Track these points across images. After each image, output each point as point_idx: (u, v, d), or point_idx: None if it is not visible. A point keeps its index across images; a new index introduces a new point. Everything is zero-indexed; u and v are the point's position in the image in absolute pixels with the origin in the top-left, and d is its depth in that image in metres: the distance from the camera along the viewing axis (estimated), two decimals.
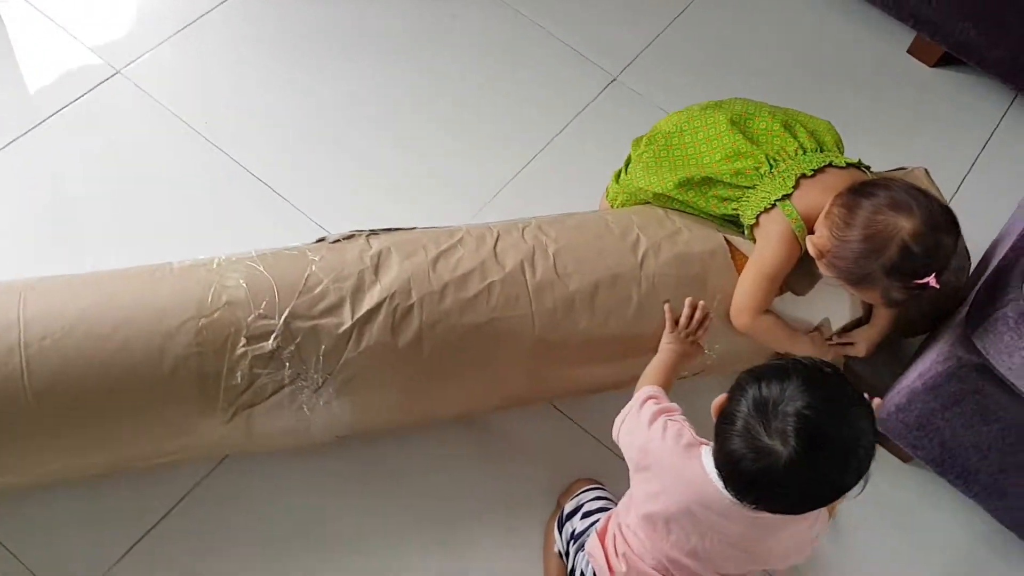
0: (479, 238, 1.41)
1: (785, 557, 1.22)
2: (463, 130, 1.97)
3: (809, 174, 1.39)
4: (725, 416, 1.09)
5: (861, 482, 1.08)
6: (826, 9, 2.32)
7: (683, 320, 1.39)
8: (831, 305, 1.51)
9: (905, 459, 1.68)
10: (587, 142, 1.97)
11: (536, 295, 1.36)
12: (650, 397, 1.27)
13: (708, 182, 1.45)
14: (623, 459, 1.28)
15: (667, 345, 1.38)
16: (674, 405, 1.26)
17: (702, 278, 1.43)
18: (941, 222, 1.29)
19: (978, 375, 1.36)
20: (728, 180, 1.43)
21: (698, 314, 1.40)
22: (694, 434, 1.20)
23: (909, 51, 2.26)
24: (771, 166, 1.40)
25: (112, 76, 1.90)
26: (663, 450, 1.18)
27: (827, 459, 1.04)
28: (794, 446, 1.02)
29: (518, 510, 1.53)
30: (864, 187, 1.33)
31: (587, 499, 1.42)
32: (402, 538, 1.49)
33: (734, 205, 1.44)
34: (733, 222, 1.48)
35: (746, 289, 1.41)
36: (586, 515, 1.39)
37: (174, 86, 1.92)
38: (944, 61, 2.24)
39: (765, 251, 1.40)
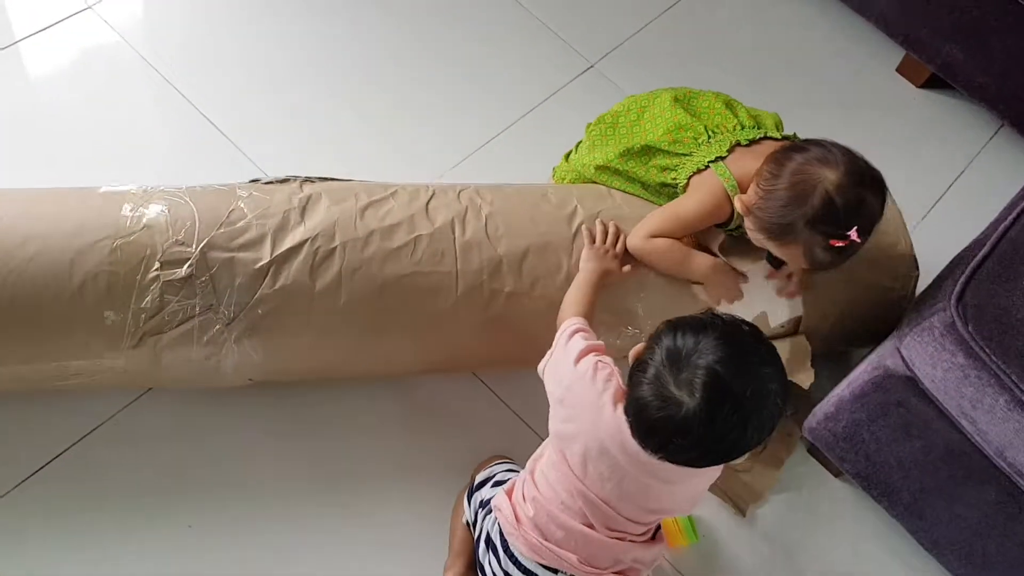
0: (413, 193, 1.43)
1: (681, 509, 1.28)
2: (427, 100, 1.99)
3: (744, 143, 1.44)
4: (639, 364, 1.13)
5: (762, 445, 1.11)
6: (819, 19, 2.34)
7: (599, 235, 1.43)
8: (770, 302, 1.52)
9: (836, 473, 1.68)
10: (553, 126, 1.99)
11: (463, 253, 1.38)
12: (578, 331, 1.28)
13: (648, 151, 1.49)
14: (543, 438, 1.30)
15: (587, 264, 1.40)
16: (600, 342, 1.27)
17: None
18: (867, 179, 1.31)
19: (904, 386, 1.37)
20: (667, 148, 1.47)
21: (611, 228, 1.44)
22: (620, 380, 1.21)
23: (898, 69, 2.29)
24: (709, 136, 1.45)
25: (83, 11, 1.95)
26: (591, 391, 1.19)
27: (729, 415, 1.07)
28: (699, 399, 1.06)
29: (431, 479, 1.53)
30: (797, 144, 1.37)
31: (499, 470, 1.44)
32: (308, 494, 1.49)
33: (673, 174, 1.47)
34: (674, 196, 1.51)
35: (651, 217, 1.45)
36: (496, 484, 1.40)
37: (141, 27, 1.96)
38: (932, 83, 2.26)
39: (688, 199, 1.44)
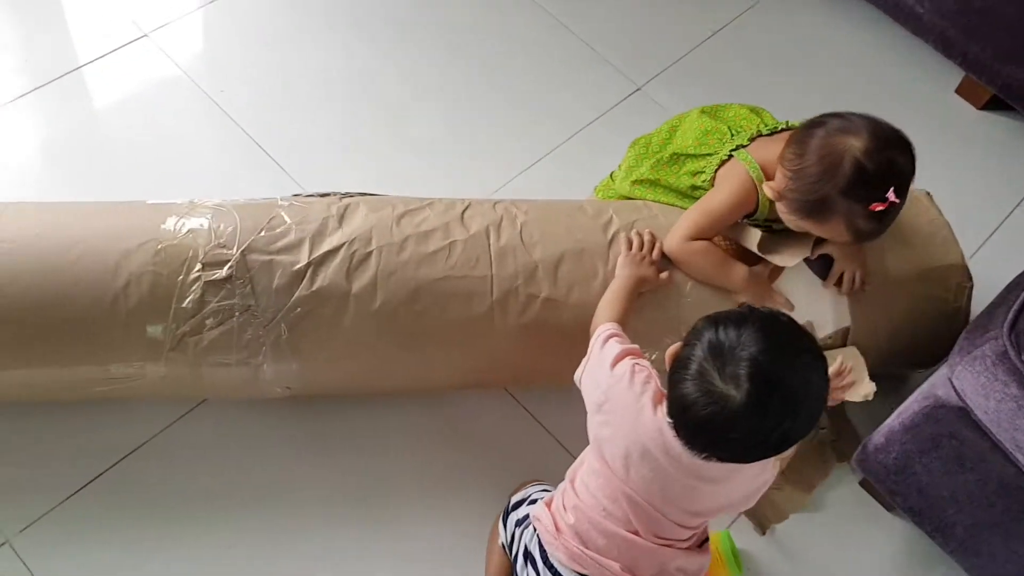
0: (448, 204, 1.48)
1: (730, 506, 1.25)
2: (475, 123, 2.05)
3: (766, 133, 1.48)
4: (680, 361, 1.13)
5: (813, 432, 1.11)
6: (873, 41, 2.35)
7: (636, 242, 1.44)
8: (816, 312, 1.52)
9: (888, 507, 1.65)
10: (599, 149, 2.03)
11: (498, 259, 1.41)
12: (612, 335, 1.30)
13: (677, 158, 1.54)
14: (576, 457, 1.32)
15: (623, 270, 1.42)
16: (635, 346, 1.28)
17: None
18: (893, 140, 1.33)
19: (956, 418, 1.35)
20: (693, 151, 1.51)
21: (646, 236, 1.45)
22: (659, 383, 1.22)
23: (957, 91, 2.28)
24: (732, 135, 1.49)
25: (140, 38, 2.07)
26: (630, 394, 1.20)
27: (778, 404, 1.07)
28: (747, 390, 1.06)
29: (466, 496, 1.55)
30: (815, 121, 1.38)
31: (534, 491, 1.44)
32: (344, 510, 1.52)
33: (702, 176, 1.50)
34: None
35: (684, 218, 1.47)
36: (532, 502, 1.40)
37: (196, 54, 2.07)
38: (993, 105, 2.24)
39: (716, 192, 1.46)
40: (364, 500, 1.54)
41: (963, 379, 1.28)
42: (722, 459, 1.13)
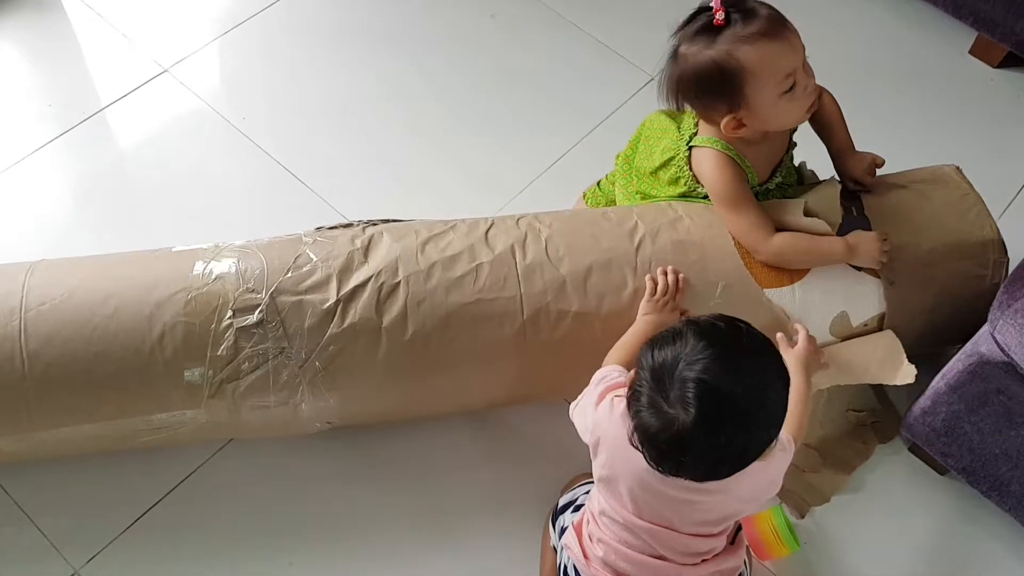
0: (472, 225, 1.40)
1: (748, 508, 1.19)
2: (494, 127, 1.97)
3: None
4: (633, 392, 1.07)
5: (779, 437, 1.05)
6: (881, 12, 2.23)
7: (660, 287, 1.35)
8: (850, 300, 1.42)
9: (940, 471, 1.57)
10: (620, 141, 1.93)
11: (525, 277, 1.34)
12: (604, 376, 1.23)
13: (654, 173, 1.48)
14: None
15: (644, 316, 1.33)
16: (621, 380, 1.21)
17: (701, 263, 1.38)
18: None
19: (1002, 373, 1.28)
20: (661, 162, 1.45)
21: (670, 277, 1.35)
22: None
23: (971, 52, 2.15)
24: (680, 131, 1.44)
25: (160, 74, 2.00)
26: (613, 429, 1.14)
27: (730, 419, 1.01)
28: (695, 411, 0.99)
29: (522, 507, 1.48)
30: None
31: (580, 492, 1.38)
32: (403, 534, 1.46)
33: (683, 179, 1.44)
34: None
35: (736, 226, 1.39)
36: (577, 508, 1.35)
37: (215, 85, 2.00)
38: (1009, 61, 2.12)
39: (711, 183, 1.39)
40: (417, 523, 1.47)
41: (1006, 333, 1.22)
42: (695, 478, 1.07)
